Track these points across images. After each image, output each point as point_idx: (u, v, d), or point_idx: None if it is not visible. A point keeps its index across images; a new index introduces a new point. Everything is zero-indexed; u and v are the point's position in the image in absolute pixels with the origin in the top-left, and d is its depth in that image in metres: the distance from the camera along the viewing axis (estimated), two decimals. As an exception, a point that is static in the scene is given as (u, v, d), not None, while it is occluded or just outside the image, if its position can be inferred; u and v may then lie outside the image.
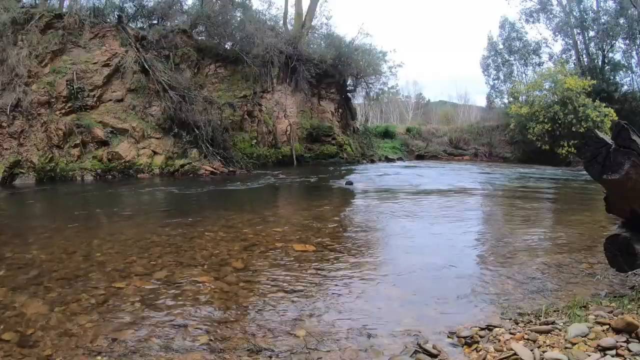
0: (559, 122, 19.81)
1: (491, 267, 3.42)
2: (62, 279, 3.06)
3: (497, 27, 37.48)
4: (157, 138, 12.40)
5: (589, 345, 1.84)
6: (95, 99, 11.86)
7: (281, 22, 19.10)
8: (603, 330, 1.96)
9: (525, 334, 2.04)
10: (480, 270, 3.35)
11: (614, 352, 1.76)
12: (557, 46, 43.62)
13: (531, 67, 26.46)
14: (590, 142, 2.34)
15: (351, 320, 2.39)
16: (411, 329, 2.26)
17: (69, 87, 11.35)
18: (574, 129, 19.30)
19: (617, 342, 1.82)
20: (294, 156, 16.00)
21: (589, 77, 20.64)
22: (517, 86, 24.34)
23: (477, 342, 2.03)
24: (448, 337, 2.15)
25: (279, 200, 8.40)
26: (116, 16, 13.14)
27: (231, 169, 12.79)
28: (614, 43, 22.94)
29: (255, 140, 15.13)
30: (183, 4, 15.53)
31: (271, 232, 4.68)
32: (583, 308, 2.35)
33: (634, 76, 23.53)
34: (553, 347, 1.87)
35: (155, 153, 12.14)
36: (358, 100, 24.86)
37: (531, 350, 1.84)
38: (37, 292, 2.81)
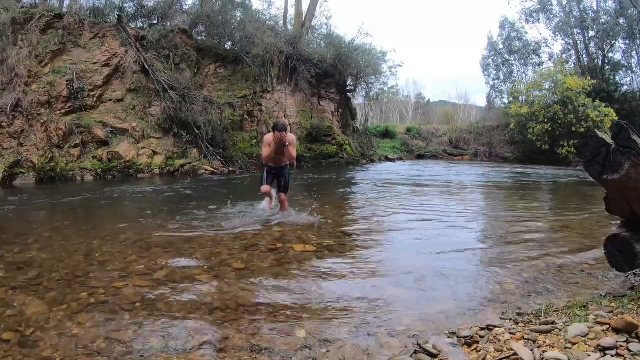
0: (559, 122, 19.83)
1: (491, 268, 3.42)
2: (62, 279, 3.06)
3: (497, 27, 37.63)
4: (157, 138, 12.40)
5: (589, 345, 1.84)
6: (95, 99, 11.85)
7: (281, 22, 19.11)
8: (603, 330, 1.96)
9: (525, 334, 2.04)
10: (480, 271, 3.35)
11: (614, 352, 1.76)
12: (557, 46, 43.69)
13: (531, 67, 26.56)
14: (590, 142, 2.33)
15: (351, 320, 2.39)
16: (411, 329, 2.26)
17: (69, 87, 11.33)
18: (574, 129, 19.32)
19: (617, 342, 1.82)
20: (294, 156, 15.99)
21: (589, 77, 20.65)
22: (517, 86, 24.38)
23: (477, 342, 2.03)
24: (448, 337, 2.14)
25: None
26: (116, 16, 13.13)
27: (231, 169, 12.79)
28: (614, 43, 22.98)
29: (255, 140, 15.12)
30: (183, 4, 15.56)
31: (271, 232, 4.68)
32: (583, 308, 2.35)
33: (634, 76, 23.59)
34: (553, 347, 1.87)
35: (155, 153, 12.14)
36: (358, 100, 24.94)
37: (531, 350, 1.84)
38: (37, 292, 2.81)
